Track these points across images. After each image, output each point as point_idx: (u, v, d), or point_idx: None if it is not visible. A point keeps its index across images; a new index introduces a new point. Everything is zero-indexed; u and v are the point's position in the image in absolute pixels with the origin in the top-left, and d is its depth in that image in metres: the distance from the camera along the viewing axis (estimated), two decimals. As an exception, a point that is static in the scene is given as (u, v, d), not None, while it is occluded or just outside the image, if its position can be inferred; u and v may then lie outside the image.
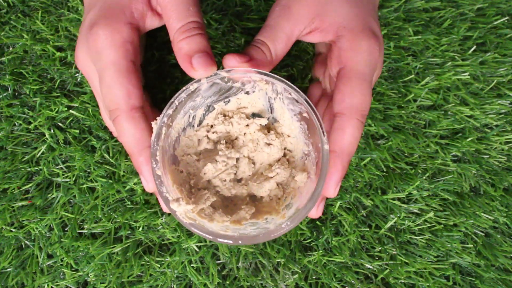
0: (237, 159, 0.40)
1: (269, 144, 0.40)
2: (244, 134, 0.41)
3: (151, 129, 0.35)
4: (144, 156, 0.35)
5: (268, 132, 0.41)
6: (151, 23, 0.38)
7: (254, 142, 0.41)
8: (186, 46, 0.34)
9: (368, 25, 0.38)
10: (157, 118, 0.35)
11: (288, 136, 0.41)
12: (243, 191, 0.40)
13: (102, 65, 0.35)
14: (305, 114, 0.37)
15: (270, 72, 0.36)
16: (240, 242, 0.33)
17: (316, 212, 0.37)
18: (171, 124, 0.36)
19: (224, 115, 0.41)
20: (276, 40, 0.37)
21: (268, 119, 0.42)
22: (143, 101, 0.36)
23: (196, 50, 0.34)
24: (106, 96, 0.35)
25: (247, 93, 0.40)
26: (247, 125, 0.41)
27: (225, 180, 0.40)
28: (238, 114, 0.41)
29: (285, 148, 0.41)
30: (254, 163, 0.41)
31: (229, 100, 0.41)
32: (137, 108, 0.35)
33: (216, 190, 0.39)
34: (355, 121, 0.35)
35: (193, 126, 0.40)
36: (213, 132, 0.41)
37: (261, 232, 0.34)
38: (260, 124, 0.41)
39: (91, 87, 0.40)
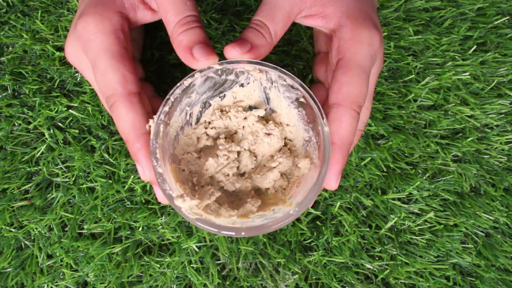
0: (238, 153, 0.40)
1: (268, 134, 0.40)
2: (243, 127, 0.41)
3: (148, 117, 0.35)
4: (141, 142, 0.34)
5: (267, 123, 0.41)
6: (143, 16, 0.38)
7: (253, 135, 0.41)
8: (185, 39, 0.34)
9: (370, 16, 0.38)
10: (154, 116, 0.34)
11: (287, 125, 0.41)
12: (247, 184, 0.39)
13: (94, 52, 0.34)
14: (302, 99, 0.37)
15: (266, 59, 0.35)
16: (244, 233, 0.32)
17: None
18: (168, 122, 0.36)
19: (221, 111, 0.41)
20: (275, 19, 0.36)
21: (265, 111, 0.41)
22: (140, 88, 0.35)
23: (196, 42, 0.34)
24: (101, 82, 0.34)
25: (242, 85, 0.40)
26: (245, 118, 0.41)
27: (228, 175, 0.39)
28: (235, 108, 0.41)
29: (285, 138, 0.41)
30: (255, 156, 0.41)
31: (225, 95, 0.40)
32: (135, 93, 0.34)
33: (220, 185, 0.39)
34: (352, 112, 0.35)
35: (191, 124, 0.40)
36: (211, 128, 0.40)
37: (269, 221, 0.33)
38: (258, 116, 0.41)
39: (87, 79, 0.39)
